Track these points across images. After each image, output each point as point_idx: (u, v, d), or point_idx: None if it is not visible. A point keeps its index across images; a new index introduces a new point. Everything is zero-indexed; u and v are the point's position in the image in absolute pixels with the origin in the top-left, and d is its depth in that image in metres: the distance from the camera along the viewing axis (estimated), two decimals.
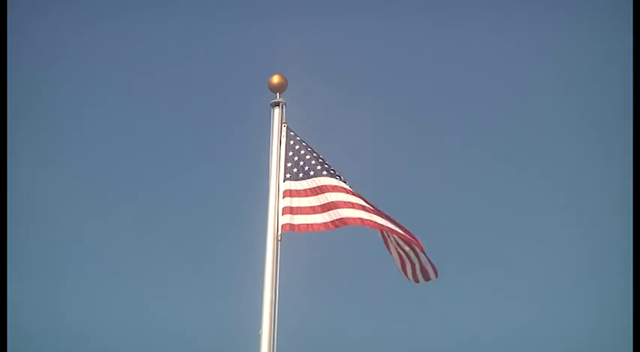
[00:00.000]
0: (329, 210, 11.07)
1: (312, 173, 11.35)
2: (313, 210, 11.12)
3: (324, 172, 11.35)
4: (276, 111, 11.70)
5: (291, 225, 10.98)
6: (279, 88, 11.76)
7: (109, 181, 23.56)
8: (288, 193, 11.20)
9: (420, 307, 20.69)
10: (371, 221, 10.98)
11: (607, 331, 18.99)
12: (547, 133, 23.99)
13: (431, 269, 11.59)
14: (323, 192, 11.18)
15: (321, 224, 11.05)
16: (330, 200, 11.12)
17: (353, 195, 11.15)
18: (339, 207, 11.05)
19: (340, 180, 11.33)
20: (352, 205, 11.07)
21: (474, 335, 19.89)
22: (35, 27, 23.53)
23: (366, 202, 11.21)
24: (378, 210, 11.23)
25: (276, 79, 11.78)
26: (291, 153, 11.50)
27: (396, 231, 11.10)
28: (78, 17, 24.03)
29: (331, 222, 11.03)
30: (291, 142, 11.57)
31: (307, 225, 11.04)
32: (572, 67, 23.88)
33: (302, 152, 11.51)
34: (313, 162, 11.45)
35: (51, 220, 22.29)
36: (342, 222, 10.99)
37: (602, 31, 23.04)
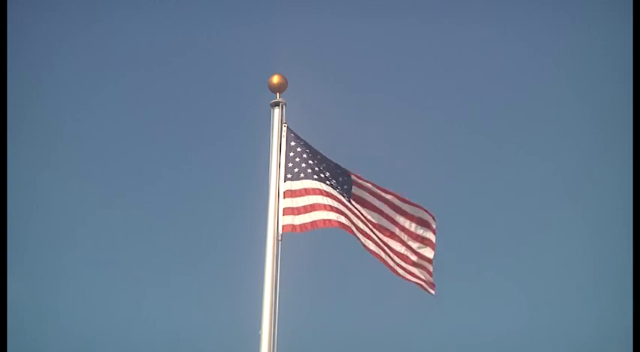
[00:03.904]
0: (315, 210, 11.14)
1: (317, 176, 11.36)
2: (322, 207, 11.14)
3: (321, 175, 11.37)
4: (276, 111, 11.68)
5: (293, 226, 10.99)
6: (279, 88, 11.75)
7: (110, 181, 23.57)
8: (290, 194, 11.20)
9: (420, 307, 20.69)
10: (347, 226, 11.09)
11: (607, 331, 18.99)
12: (549, 132, 24.00)
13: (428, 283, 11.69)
14: (316, 194, 11.22)
15: (332, 221, 11.08)
16: (318, 202, 11.17)
17: (344, 203, 11.24)
18: (322, 210, 11.12)
19: (334, 186, 11.35)
20: (337, 210, 11.13)
21: (474, 336, 19.89)
22: (35, 27, 23.53)
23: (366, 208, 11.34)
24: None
25: (276, 79, 11.76)
26: (292, 154, 11.49)
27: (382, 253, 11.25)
28: (77, 17, 24.04)
29: (341, 223, 11.10)
30: (292, 143, 11.56)
31: (309, 223, 11.05)
32: (573, 67, 23.88)
33: (303, 154, 11.51)
34: (317, 167, 11.45)
35: (51, 220, 22.30)
36: (349, 230, 11.10)
37: (602, 31, 23.05)
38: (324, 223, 11.05)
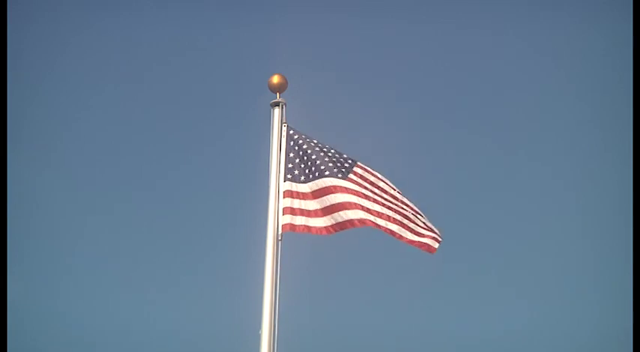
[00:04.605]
0: (332, 212, 11.07)
1: (317, 174, 11.35)
2: (315, 213, 11.14)
3: (327, 172, 11.34)
4: (276, 111, 11.70)
5: (292, 226, 10.99)
6: (279, 88, 11.77)
7: (109, 181, 23.55)
8: (289, 194, 11.21)
9: (420, 307, 20.71)
10: (373, 222, 10.96)
11: (607, 332, 18.99)
12: (550, 132, 23.99)
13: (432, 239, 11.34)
14: (326, 194, 11.17)
15: (322, 227, 11.06)
16: (335, 202, 11.11)
17: (357, 194, 11.13)
18: (345, 209, 11.04)
19: (345, 178, 11.28)
20: (356, 206, 11.04)
21: (474, 336, 19.89)
22: (35, 27, 23.54)
23: (378, 198, 11.18)
24: (395, 203, 11.20)
25: (276, 79, 11.78)
26: (291, 154, 11.51)
27: (401, 235, 11.03)
28: (78, 17, 24.04)
29: (331, 226, 11.03)
30: (292, 143, 11.58)
31: (309, 227, 11.05)
32: (573, 67, 23.89)
33: (302, 153, 11.51)
34: (318, 162, 11.44)
35: (51, 219, 22.29)
36: (339, 225, 11.00)
37: (602, 31, 23.06)
38: (321, 230, 11.05)
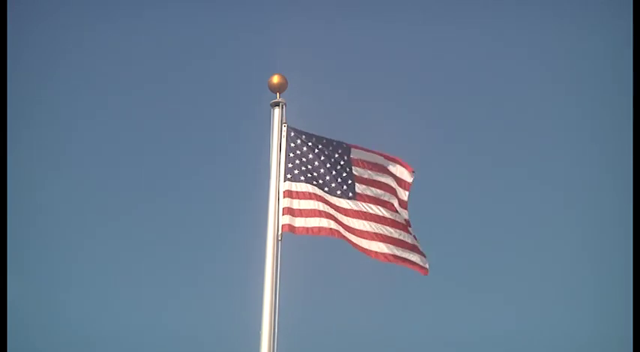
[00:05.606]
0: (336, 223, 11.26)
1: (316, 182, 11.42)
2: (319, 213, 11.21)
3: (320, 180, 11.44)
4: (276, 111, 11.70)
5: (291, 227, 11.01)
6: (279, 88, 11.76)
7: (110, 181, 23.58)
8: (288, 194, 11.22)
9: (419, 307, 20.72)
10: (370, 250, 11.34)
11: (607, 332, 19.00)
12: (546, 133, 24.01)
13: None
14: (336, 211, 11.35)
15: (323, 228, 11.15)
16: (318, 208, 11.28)
17: (355, 217, 11.31)
18: (344, 229, 11.31)
19: (343, 196, 11.44)
20: (352, 230, 11.32)
21: (472, 336, 19.91)
22: (36, 27, 23.54)
23: (372, 219, 11.41)
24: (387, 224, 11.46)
25: (276, 79, 11.78)
26: (292, 154, 11.51)
27: (393, 259, 11.33)
28: (78, 17, 24.05)
29: (330, 229, 11.19)
30: (292, 144, 11.58)
31: (307, 228, 11.10)
32: (573, 67, 23.90)
33: (303, 153, 11.53)
34: (322, 170, 11.52)
35: (51, 220, 22.30)
36: (342, 237, 11.27)
37: (602, 31, 23.06)
38: (321, 231, 11.16)
